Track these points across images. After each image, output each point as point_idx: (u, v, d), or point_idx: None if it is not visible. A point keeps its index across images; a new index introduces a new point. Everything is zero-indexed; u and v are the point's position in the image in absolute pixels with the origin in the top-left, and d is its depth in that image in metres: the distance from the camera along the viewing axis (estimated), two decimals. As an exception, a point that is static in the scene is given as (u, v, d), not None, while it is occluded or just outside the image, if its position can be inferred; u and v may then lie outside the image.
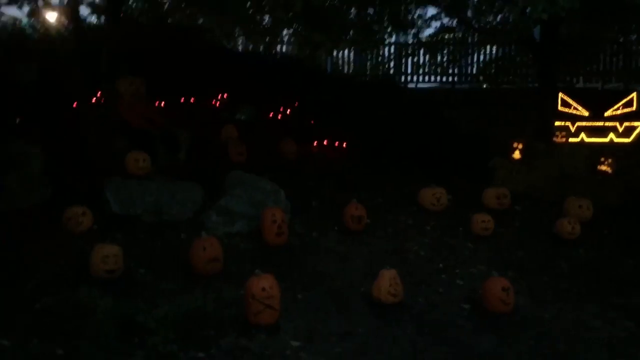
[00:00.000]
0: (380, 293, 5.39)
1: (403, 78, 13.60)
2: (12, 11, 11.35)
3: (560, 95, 9.75)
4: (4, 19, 10.17)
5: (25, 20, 14.07)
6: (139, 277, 5.48)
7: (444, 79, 13.57)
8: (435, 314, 5.44)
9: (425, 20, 11.49)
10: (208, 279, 5.48)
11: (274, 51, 12.61)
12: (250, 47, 12.88)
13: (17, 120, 7.20)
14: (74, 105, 8.06)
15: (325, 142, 9.58)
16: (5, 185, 6.15)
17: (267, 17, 10.26)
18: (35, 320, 4.50)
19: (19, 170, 6.31)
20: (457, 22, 11.67)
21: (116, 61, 8.55)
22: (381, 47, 13.12)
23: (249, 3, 9.39)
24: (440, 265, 6.51)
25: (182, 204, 6.82)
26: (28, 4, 9.39)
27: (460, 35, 12.73)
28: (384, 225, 7.36)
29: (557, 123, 9.63)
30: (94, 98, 8.42)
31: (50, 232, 5.97)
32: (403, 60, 13.78)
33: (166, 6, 10.84)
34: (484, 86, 13.01)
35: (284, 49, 13.50)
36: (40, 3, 9.04)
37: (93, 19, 11.41)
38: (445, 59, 13.32)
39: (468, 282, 6.14)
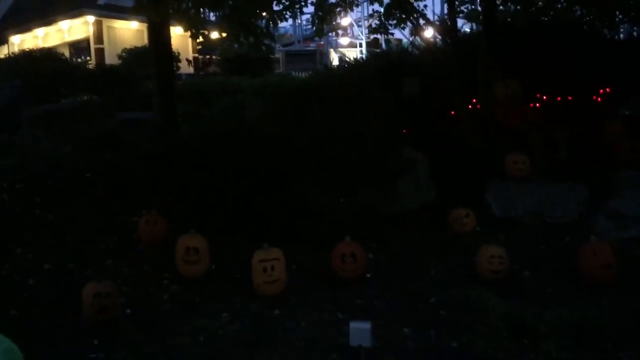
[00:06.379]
0: None
1: None
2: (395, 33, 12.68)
3: None
4: (392, 40, 11.34)
5: (404, 40, 15.56)
6: (524, 280, 5.44)
7: None
8: None
9: None
10: (599, 287, 5.09)
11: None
12: (635, 32, 11.52)
13: (404, 131, 7.95)
14: (452, 112, 8.50)
15: None
16: (398, 189, 6.85)
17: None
18: (432, 313, 4.86)
19: (410, 175, 6.97)
20: None
21: (491, 66, 8.66)
22: None
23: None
24: None
25: (565, 205, 6.54)
26: (410, 24, 10.24)
27: None
28: None
29: None
30: (470, 104, 8.74)
31: (436, 232, 6.41)
32: None
33: (539, 4, 10.49)
34: None
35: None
36: (421, 22, 9.76)
37: (466, 28, 11.85)
38: None
39: None
